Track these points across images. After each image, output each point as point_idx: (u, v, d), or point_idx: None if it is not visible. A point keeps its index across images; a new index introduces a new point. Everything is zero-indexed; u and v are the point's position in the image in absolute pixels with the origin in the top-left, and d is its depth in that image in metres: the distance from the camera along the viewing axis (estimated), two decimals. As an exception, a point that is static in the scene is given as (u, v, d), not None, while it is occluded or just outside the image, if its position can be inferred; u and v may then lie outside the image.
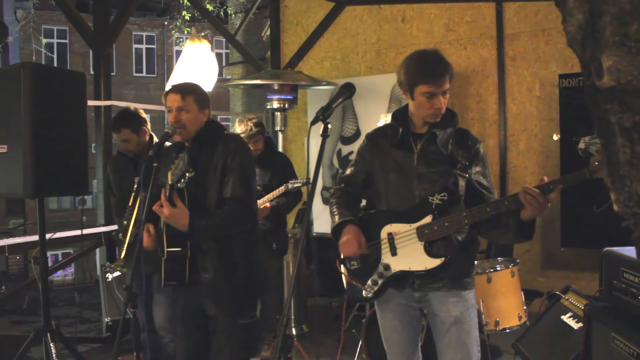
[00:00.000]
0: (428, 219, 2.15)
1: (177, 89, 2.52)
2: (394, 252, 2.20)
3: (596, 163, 1.88)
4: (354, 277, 2.31)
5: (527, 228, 2.07)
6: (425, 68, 2.13)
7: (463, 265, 2.23)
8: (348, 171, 2.42)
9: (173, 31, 12.63)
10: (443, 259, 2.14)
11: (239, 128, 3.97)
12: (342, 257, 2.32)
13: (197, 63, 4.73)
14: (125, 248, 3.36)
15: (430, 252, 2.15)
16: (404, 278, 2.21)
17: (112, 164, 3.62)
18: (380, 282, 2.23)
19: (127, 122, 3.42)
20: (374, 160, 2.32)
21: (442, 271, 2.15)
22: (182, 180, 2.34)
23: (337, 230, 2.29)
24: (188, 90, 2.52)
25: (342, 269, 2.34)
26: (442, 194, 2.15)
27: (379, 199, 2.29)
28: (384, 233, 2.23)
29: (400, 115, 2.30)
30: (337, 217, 2.31)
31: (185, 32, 10.63)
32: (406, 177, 2.21)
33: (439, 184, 2.17)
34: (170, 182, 2.30)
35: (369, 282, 2.25)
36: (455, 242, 2.18)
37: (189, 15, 9.68)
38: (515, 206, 2.02)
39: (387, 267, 2.22)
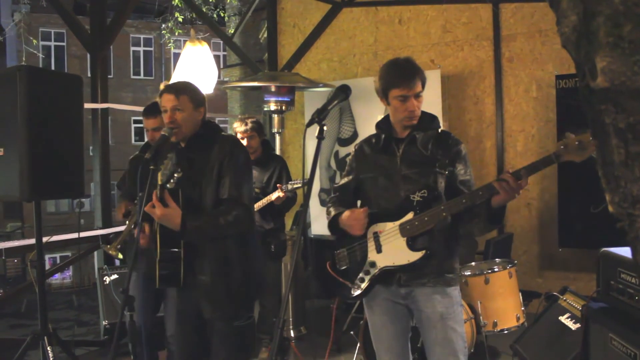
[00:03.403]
0: (410, 216, 2.25)
1: (170, 88, 2.51)
2: (379, 249, 2.31)
3: (562, 147, 1.94)
4: (343, 277, 2.40)
5: (497, 214, 2.15)
6: (396, 72, 2.28)
7: (446, 261, 2.30)
8: (342, 181, 2.55)
9: (164, 32, 12.53)
10: (424, 251, 2.22)
11: (235, 124, 4.00)
12: (333, 256, 2.43)
13: (196, 65, 4.74)
14: (121, 238, 3.38)
15: (412, 246, 2.24)
16: (390, 274, 2.30)
17: (134, 160, 3.59)
18: (367, 279, 2.33)
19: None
20: (361, 168, 2.45)
21: (424, 265, 2.23)
22: (171, 181, 2.34)
23: (333, 222, 2.41)
24: (181, 89, 2.50)
25: (331, 270, 2.43)
26: (423, 192, 2.26)
27: (370, 203, 2.39)
28: (370, 232, 2.34)
29: (384, 124, 2.44)
30: (332, 212, 2.45)
31: (177, 33, 10.56)
32: (392, 179, 2.33)
33: (420, 183, 2.27)
34: (160, 182, 2.29)
35: (357, 280, 2.35)
36: (437, 237, 2.26)
37: (182, 17, 9.65)
38: (489, 195, 2.10)
39: (372, 264, 2.32)
